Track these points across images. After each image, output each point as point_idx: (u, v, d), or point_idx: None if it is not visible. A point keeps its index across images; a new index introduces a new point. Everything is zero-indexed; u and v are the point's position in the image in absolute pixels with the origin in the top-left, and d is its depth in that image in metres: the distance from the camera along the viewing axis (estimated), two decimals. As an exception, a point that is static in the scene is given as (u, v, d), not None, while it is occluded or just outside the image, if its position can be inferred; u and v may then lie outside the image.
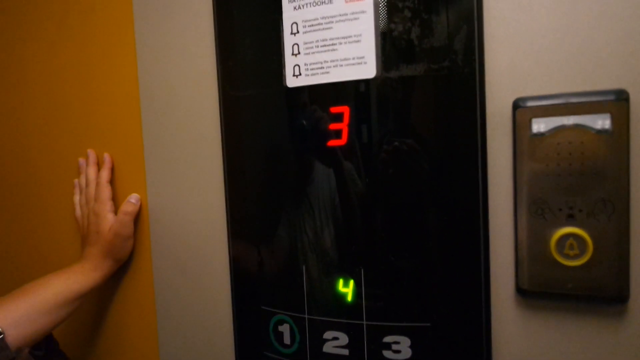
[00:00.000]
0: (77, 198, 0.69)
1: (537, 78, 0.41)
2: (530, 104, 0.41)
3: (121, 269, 0.67)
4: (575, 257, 0.40)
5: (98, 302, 0.71)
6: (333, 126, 0.46)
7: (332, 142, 0.46)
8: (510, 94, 0.42)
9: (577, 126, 0.39)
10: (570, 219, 0.40)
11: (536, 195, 0.41)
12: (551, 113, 0.40)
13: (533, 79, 0.42)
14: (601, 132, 0.38)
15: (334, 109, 0.46)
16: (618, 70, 0.39)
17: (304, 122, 0.47)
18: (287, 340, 0.52)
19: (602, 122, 0.38)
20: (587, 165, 0.39)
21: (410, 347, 0.46)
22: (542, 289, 0.41)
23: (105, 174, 0.65)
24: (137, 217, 0.65)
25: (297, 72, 0.47)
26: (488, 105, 0.43)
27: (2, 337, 0.52)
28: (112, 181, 0.66)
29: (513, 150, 0.42)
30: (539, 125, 0.41)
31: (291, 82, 0.47)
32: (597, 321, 0.40)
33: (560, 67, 0.41)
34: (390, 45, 0.43)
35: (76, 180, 0.70)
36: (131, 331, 0.69)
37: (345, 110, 0.45)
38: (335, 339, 0.49)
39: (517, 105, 0.41)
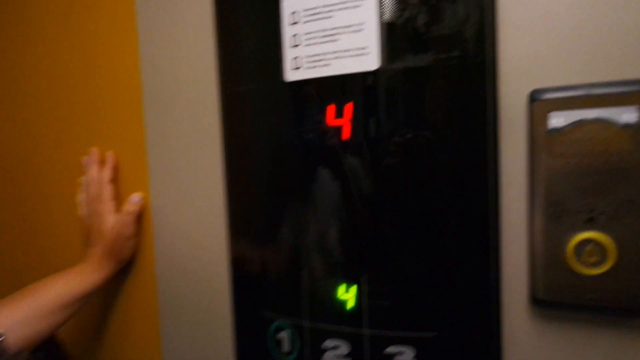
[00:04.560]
0: (80, 197, 0.68)
1: (556, 67, 0.38)
2: (548, 96, 0.37)
3: (124, 269, 0.66)
4: (595, 264, 0.36)
5: (101, 303, 0.70)
6: (334, 122, 0.43)
7: (334, 139, 0.43)
8: (526, 85, 0.39)
9: (599, 120, 0.36)
10: (590, 223, 0.36)
11: (553, 197, 0.37)
12: (571, 106, 0.37)
13: (551, 69, 0.38)
14: (627, 126, 0.35)
15: (336, 104, 0.43)
16: (647, 58, 0.35)
17: (305, 118, 0.45)
18: (286, 347, 0.49)
19: (628, 115, 0.35)
20: (611, 163, 0.35)
21: (415, 358, 0.43)
22: (558, 299, 0.38)
23: (107, 173, 0.64)
24: (140, 217, 0.64)
25: (296, 65, 0.44)
26: (502, 98, 0.40)
27: (2, 340, 0.51)
28: (114, 180, 0.65)
29: (528, 147, 0.39)
30: (558, 120, 0.37)
31: (291, 75, 0.45)
32: (618, 335, 0.37)
33: (582, 55, 0.37)
34: (394, 34, 0.40)
35: (80, 179, 0.69)
36: (134, 332, 0.67)
37: (348, 104, 0.42)
38: (336, 347, 0.46)
39: (533, 97, 0.38)
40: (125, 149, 0.65)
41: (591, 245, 0.36)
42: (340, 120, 0.42)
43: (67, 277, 0.60)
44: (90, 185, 0.65)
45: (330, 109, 0.43)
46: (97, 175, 0.65)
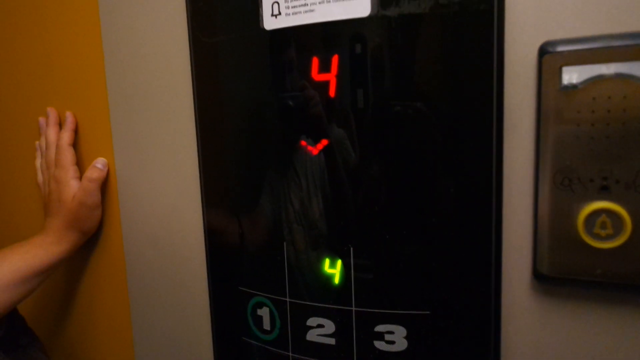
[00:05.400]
0: (38, 162, 0.62)
1: (570, 16, 0.33)
2: (560, 48, 0.33)
3: (90, 241, 0.61)
4: (608, 237, 0.33)
5: (65, 277, 0.66)
6: (319, 77, 0.38)
7: (319, 96, 0.38)
8: (536, 37, 0.34)
9: (619, 76, 0.31)
10: (604, 192, 0.33)
11: (563, 163, 0.34)
12: (587, 60, 0.32)
13: (565, 18, 0.33)
14: (651, 83, 0.31)
15: (321, 57, 0.38)
16: (676, 4, 0.31)
17: (285, 73, 0.39)
18: (266, 325, 0.46)
19: (653, 70, 0.31)
20: (631, 125, 0.31)
21: (406, 337, 0.39)
22: (565, 275, 0.34)
23: (66, 135, 0.58)
24: (105, 185, 0.58)
25: (275, 11, 0.38)
26: (508, 51, 0.35)
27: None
28: (75, 144, 0.59)
29: (537, 108, 0.34)
30: (571, 75, 0.33)
31: (269, 23, 0.39)
32: (630, 314, 0.34)
33: (600, 1, 0.32)
34: (389, -26, 0.35)
35: (37, 143, 0.62)
36: (102, 308, 0.63)
37: (334, 57, 0.37)
38: (321, 326, 0.42)
39: (544, 50, 0.33)
40: (86, 109, 0.58)
41: (604, 216, 0.33)
42: (326, 74, 0.37)
43: (24, 249, 0.55)
44: (48, 149, 0.59)
45: (315, 62, 0.38)
46: (55, 138, 0.59)
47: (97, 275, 0.62)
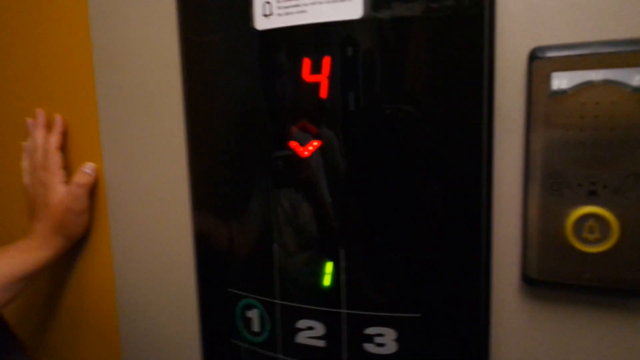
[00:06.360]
0: (25, 163, 0.61)
1: (560, 23, 0.33)
2: (550, 54, 0.33)
3: (77, 246, 0.60)
4: (596, 242, 0.33)
5: (54, 281, 0.64)
6: (311, 78, 0.38)
7: (309, 98, 0.38)
8: (526, 42, 0.34)
9: (607, 82, 0.32)
10: (592, 197, 0.33)
11: (552, 167, 0.34)
12: (576, 66, 0.32)
13: (555, 24, 0.34)
14: (639, 90, 0.31)
15: (312, 58, 0.38)
16: (664, 12, 0.31)
17: (276, 74, 0.39)
18: (255, 327, 0.45)
19: (640, 77, 0.31)
20: (618, 131, 0.32)
21: (396, 340, 0.39)
22: (553, 279, 0.35)
23: (55, 139, 0.57)
24: (94, 190, 0.57)
25: (267, 11, 0.38)
26: (499, 55, 0.35)
27: None
28: (63, 147, 0.58)
29: (526, 113, 0.35)
30: (561, 81, 0.33)
31: (261, 23, 0.39)
32: (618, 318, 0.34)
33: (590, 8, 0.33)
34: (381, -24, 0.35)
35: (24, 144, 0.61)
36: (89, 313, 0.62)
37: (326, 58, 0.37)
38: (310, 328, 0.42)
39: (534, 55, 0.34)
40: (74, 111, 0.57)
41: (592, 221, 0.33)
42: (318, 76, 0.37)
43: (9, 253, 0.54)
44: (35, 151, 0.58)
45: (306, 63, 0.37)
46: (43, 140, 0.58)
47: (84, 279, 0.61)
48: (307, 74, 0.38)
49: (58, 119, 0.57)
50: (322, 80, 0.37)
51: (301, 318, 0.43)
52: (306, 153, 0.40)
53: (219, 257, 0.47)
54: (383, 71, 0.36)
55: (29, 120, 0.60)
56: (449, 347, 0.38)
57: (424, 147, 0.37)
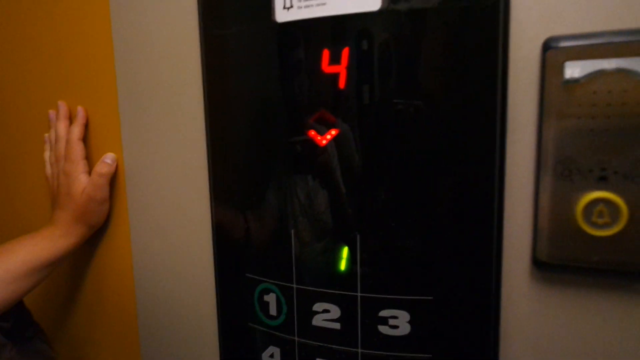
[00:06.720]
0: (47, 155, 0.63)
1: (573, 13, 0.34)
2: (564, 44, 0.34)
3: (96, 235, 0.62)
4: (605, 226, 0.34)
5: (73, 270, 0.66)
6: (330, 69, 0.39)
7: (329, 88, 0.40)
8: (540, 32, 0.35)
9: (619, 71, 0.33)
10: (602, 182, 0.34)
11: (564, 154, 0.35)
12: (589, 55, 0.33)
13: (569, 14, 0.35)
14: (650, 78, 0.32)
15: (331, 49, 0.39)
16: (675, 2, 0.32)
17: (296, 65, 0.41)
18: (273, 311, 0.47)
19: (652, 66, 0.32)
20: (630, 118, 0.33)
21: (410, 322, 0.41)
22: (563, 261, 0.36)
23: (77, 130, 0.59)
24: (113, 178, 0.59)
25: (288, 4, 0.40)
26: (513, 45, 0.36)
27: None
28: (84, 138, 0.60)
29: (539, 101, 0.36)
30: (573, 70, 0.34)
31: (281, 16, 0.40)
32: (625, 299, 0.35)
33: (603, -1, 0.34)
34: (399, -31, 0.36)
35: (46, 135, 0.63)
36: (108, 300, 0.64)
37: (344, 50, 0.38)
38: (326, 311, 0.44)
39: (548, 45, 0.35)
40: (95, 103, 0.59)
41: (602, 205, 0.34)
42: (337, 67, 0.38)
43: (33, 241, 0.56)
44: (58, 142, 0.60)
45: (325, 55, 0.39)
46: (65, 131, 0.60)
47: (103, 266, 0.63)
48: (326, 65, 0.39)
49: (80, 111, 0.59)
50: (341, 71, 0.38)
51: (317, 301, 0.44)
52: (324, 142, 0.41)
53: (237, 243, 0.49)
54: (400, 61, 0.38)
55: (51, 112, 0.62)
56: (461, 329, 0.40)
57: (438, 133, 0.38)
